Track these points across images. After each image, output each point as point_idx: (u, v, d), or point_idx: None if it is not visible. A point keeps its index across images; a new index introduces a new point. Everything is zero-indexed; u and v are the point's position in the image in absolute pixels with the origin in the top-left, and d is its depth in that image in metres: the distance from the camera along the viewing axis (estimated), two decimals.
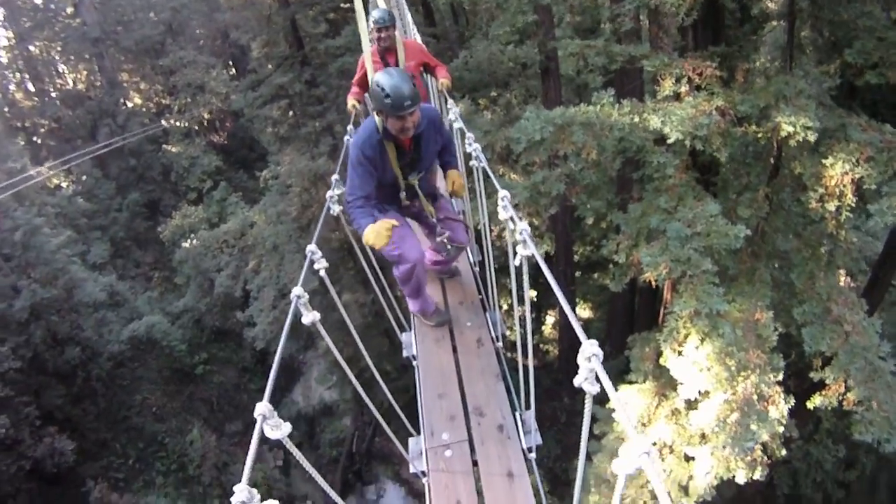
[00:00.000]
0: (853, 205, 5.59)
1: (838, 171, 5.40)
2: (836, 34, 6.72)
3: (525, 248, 1.98)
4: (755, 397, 5.93)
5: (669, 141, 5.39)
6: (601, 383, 1.25)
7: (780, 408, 6.25)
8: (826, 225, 6.37)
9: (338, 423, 18.66)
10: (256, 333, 15.79)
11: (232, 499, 1.10)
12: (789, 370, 7.09)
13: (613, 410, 7.92)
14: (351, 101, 5.06)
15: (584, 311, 18.70)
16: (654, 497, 7.36)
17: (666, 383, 7.57)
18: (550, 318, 17.53)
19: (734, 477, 6.38)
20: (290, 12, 15.32)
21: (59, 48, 26.70)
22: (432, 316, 3.72)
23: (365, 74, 4.62)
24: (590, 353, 1.26)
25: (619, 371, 11.49)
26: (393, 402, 2.89)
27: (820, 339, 5.87)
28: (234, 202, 23.27)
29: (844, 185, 5.44)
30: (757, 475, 6.37)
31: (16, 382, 14.15)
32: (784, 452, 6.96)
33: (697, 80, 5.84)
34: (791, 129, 5.10)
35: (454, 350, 3.47)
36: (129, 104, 27.68)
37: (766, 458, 6.63)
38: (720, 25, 6.99)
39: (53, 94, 26.99)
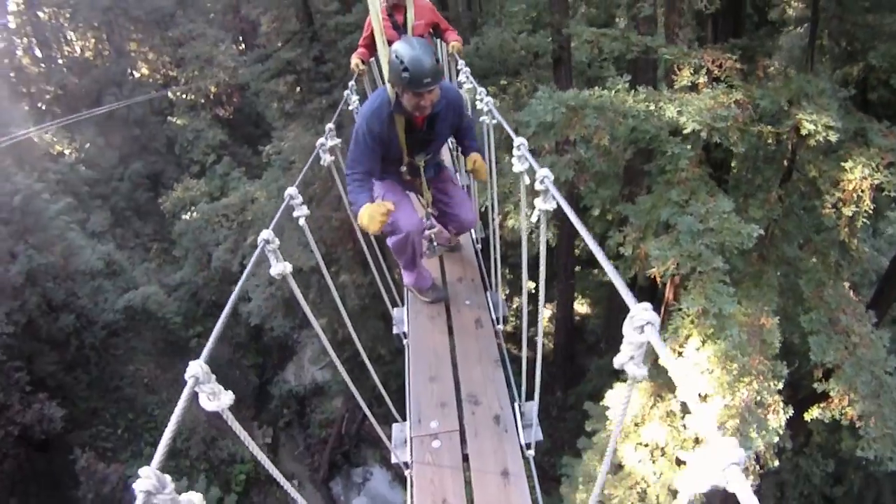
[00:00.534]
0: (870, 211, 5.40)
1: (857, 176, 5.20)
2: (858, 38, 6.51)
3: (546, 200, 1.67)
4: (755, 404, 5.78)
5: (685, 131, 5.18)
6: (643, 367, 1.00)
7: (779, 417, 6.09)
8: (839, 232, 6.18)
9: (329, 403, 18.60)
10: (251, 309, 15.66)
11: (135, 485, 0.87)
12: (786, 379, 6.96)
13: (608, 408, 7.81)
14: (355, 60, 4.75)
15: (582, 307, 18.63)
16: (643, 499, 7.23)
17: (663, 384, 7.43)
18: (547, 312, 17.40)
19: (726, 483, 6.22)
20: None
21: (67, 15, 26.42)
22: (428, 291, 3.47)
23: (372, 34, 4.17)
24: (643, 321, 0.96)
25: (615, 369, 11.37)
26: (380, 385, 2.65)
27: (827, 349, 5.70)
28: (237, 177, 23.06)
29: (863, 191, 5.24)
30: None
31: (8, 347, 14.06)
32: (776, 463, 6.83)
33: (717, 71, 5.63)
34: (812, 127, 4.90)
35: (450, 331, 3.21)
36: (136, 74, 27.45)
37: (758, 467, 6.49)
38: (741, 18, 6.77)
39: (60, 62, 26.78)
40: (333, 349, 2.16)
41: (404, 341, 3.30)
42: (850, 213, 5.48)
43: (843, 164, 5.39)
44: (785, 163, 6.79)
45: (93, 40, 27.47)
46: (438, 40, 5.12)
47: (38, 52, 26.82)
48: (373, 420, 2.42)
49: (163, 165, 25.56)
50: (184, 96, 25.86)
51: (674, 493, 7.31)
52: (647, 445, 7.25)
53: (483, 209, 4.82)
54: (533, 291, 12.99)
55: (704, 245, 5.12)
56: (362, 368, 2.77)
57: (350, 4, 15.67)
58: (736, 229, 5.07)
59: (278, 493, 16.30)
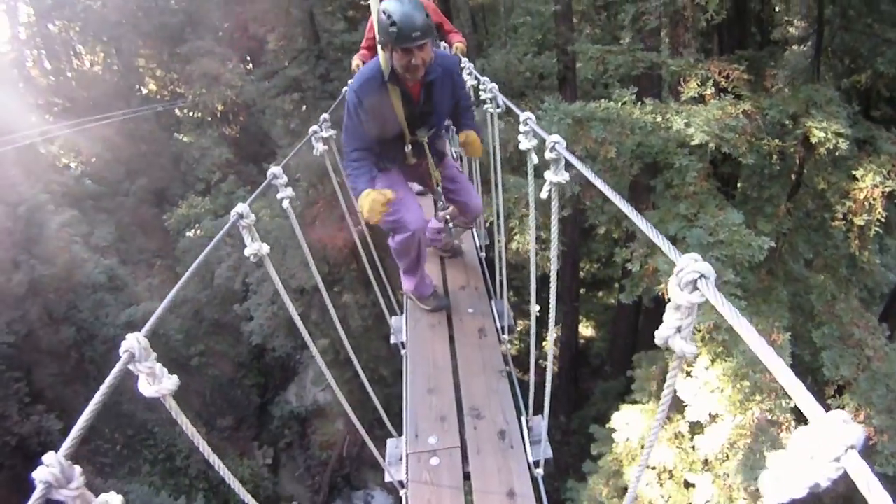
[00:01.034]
0: (882, 219, 5.28)
1: (868, 184, 5.10)
2: (863, 49, 6.47)
3: (557, 172, 1.53)
4: (767, 422, 5.60)
5: (693, 143, 5.10)
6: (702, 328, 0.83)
7: (792, 435, 5.89)
8: (849, 244, 6.07)
9: (331, 425, 18.30)
10: (253, 328, 15.55)
11: (34, 474, 0.68)
12: None
13: (614, 431, 7.63)
14: (356, 62, 4.71)
15: (587, 330, 18.41)
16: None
17: (671, 405, 7.26)
18: (552, 335, 17.18)
19: None
20: (308, 5, 15.22)
21: (77, 28, 26.72)
22: (429, 299, 3.31)
23: (374, 37, 4.26)
24: (695, 273, 0.77)
25: (621, 392, 11.17)
26: (380, 407, 2.49)
27: (840, 364, 5.53)
28: (242, 196, 23.05)
29: (874, 199, 5.14)
30: None
31: (8, 357, 13.98)
32: None
33: (724, 82, 5.56)
34: (822, 135, 4.81)
35: (451, 340, 3.02)
36: (144, 90, 27.67)
37: None
38: (746, 31, 6.74)
39: (69, 74, 26.99)
40: (336, 369, 2.04)
41: (402, 351, 3.12)
42: (862, 223, 5.37)
43: (853, 172, 5.30)
44: (793, 176, 6.70)
45: (101, 54, 27.76)
46: (442, 42, 5.09)
47: (47, 65, 27.09)
48: (369, 441, 2.24)
49: (168, 182, 25.62)
50: (190, 113, 26.02)
51: None
52: (654, 468, 7.07)
53: (489, 224, 4.72)
54: (538, 314, 12.81)
55: (714, 258, 5.00)
56: (364, 389, 2.64)
57: (356, 23, 15.82)
58: (747, 241, 4.95)
59: None
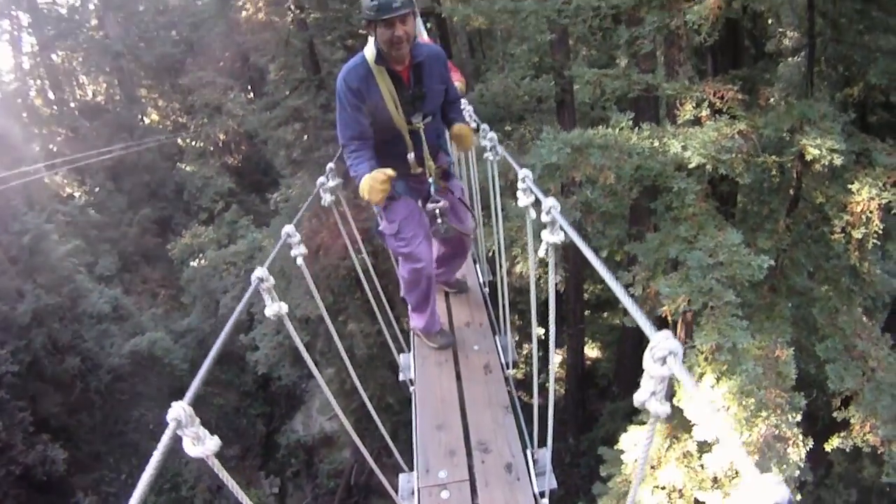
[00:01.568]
0: (879, 231, 5.33)
1: (864, 197, 5.15)
2: (855, 60, 6.56)
3: (553, 232, 1.60)
4: (774, 438, 5.59)
5: (691, 165, 5.17)
6: (669, 401, 0.92)
7: (799, 450, 5.88)
8: (849, 256, 6.10)
9: (338, 454, 18.13)
10: (259, 358, 15.52)
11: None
12: (804, 410, 6.81)
13: (622, 452, 7.60)
14: None
15: (592, 351, 18.31)
16: None
17: (678, 424, 7.23)
18: (558, 357, 17.13)
19: None
20: (308, 35, 15.43)
21: (80, 59, 27.18)
22: (436, 336, 3.35)
23: None
24: (665, 351, 0.88)
25: (628, 413, 11.11)
26: (387, 435, 2.56)
27: (845, 376, 5.54)
28: (245, 225, 23.20)
29: (871, 211, 5.19)
30: None
31: (13, 386, 13.91)
32: (799, 497, 6.56)
33: (719, 103, 5.65)
34: (817, 152, 4.88)
35: (458, 377, 3.10)
36: (147, 120, 27.99)
37: None
38: (740, 50, 6.85)
39: (72, 105, 27.36)
40: (342, 398, 2.09)
41: (410, 388, 3.20)
42: (860, 236, 5.41)
43: (849, 186, 5.35)
44: (791, 192, 6.76)
45: (104, 85, 28.16)
46: None
47: (50, 95, 27.42)
48: (377, 471, 2.32)
49: (171, 212, 25.80)
50: (193, 143, 26.28)
51: None
52: (664, 488, 7.02)
53: (490, 254, 4.78)
54: (543, 337, 12.84)
55: (715, 279, 5.04)
56: (370, 418, 2.68)
57: (356, 52, 16.02)
58: (746, 261, 5.00)
59: None
